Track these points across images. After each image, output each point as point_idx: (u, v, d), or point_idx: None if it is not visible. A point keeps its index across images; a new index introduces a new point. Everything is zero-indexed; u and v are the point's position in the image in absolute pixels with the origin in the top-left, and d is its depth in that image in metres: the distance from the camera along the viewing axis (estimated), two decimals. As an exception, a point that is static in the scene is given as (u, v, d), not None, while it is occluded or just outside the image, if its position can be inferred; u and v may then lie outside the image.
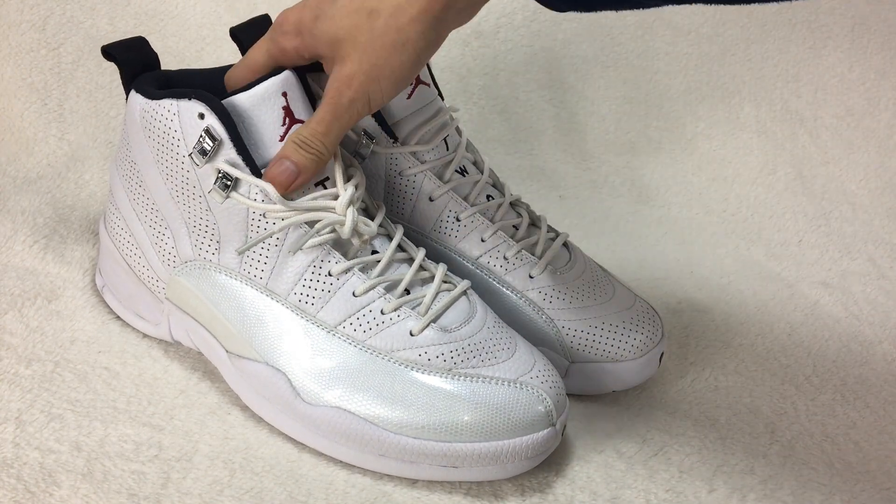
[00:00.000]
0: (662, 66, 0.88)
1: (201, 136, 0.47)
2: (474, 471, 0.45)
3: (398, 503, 0.45)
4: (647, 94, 0.88)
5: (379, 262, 0.48)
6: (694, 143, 0.87)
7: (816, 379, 0.60)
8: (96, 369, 0.51)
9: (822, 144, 0.88)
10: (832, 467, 0.51)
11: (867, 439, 0.54)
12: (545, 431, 0.46)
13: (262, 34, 0.50)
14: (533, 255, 0.55)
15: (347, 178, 0.49)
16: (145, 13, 0.77)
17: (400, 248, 0.50)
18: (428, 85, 0.55)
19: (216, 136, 0.46)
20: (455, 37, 0.84)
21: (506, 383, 0.46)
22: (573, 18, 0.87)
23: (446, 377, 0.46)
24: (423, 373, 0.46)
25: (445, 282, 0.49)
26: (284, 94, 0.47)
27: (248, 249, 0.48)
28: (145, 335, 0.55)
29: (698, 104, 0.88)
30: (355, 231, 0.48)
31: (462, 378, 0.46)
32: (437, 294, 0.48)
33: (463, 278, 0.51)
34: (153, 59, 0.52)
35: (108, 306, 0.57)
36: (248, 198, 0.47)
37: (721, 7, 0.89)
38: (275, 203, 0.47)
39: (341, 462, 0.47)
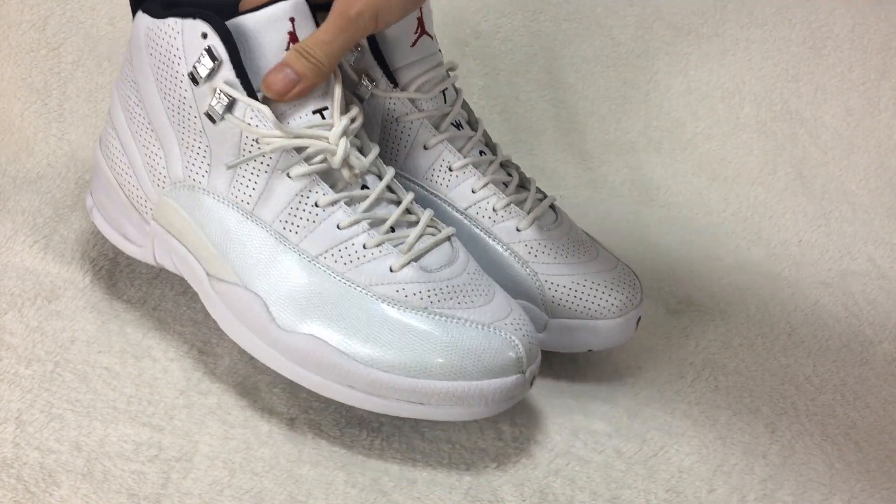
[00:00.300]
0: (662, 65, 0.88)
1: (201, 54, 0.47)
2: (441, 409, 0.45)
3: (398, 503, 0.45)
4: (648, 93, 0.88)
5: (367, 198, 0.48)
6: (694, 143, 0.87)
7: (816, 379, 0.60)
8: (96, 369, 0.51)
9: (823, 144, 0.88)
10: (832, 467, 0.51)
11: (867, 439, 0.54)
12: (514, 378, 0.46)
13: None
14: (521, 209, 0.55)
15: (345, 111, 0.49)
16: (145, 13, 0.77)
17: (389, 189, 0.50)
18: (432, 37, 0.56)
19: (217, 55, 0.46)
20: (455, 37, 0.84)
21: (479, 326, 0.46)
22: (573, 18, 0.87)
23: (421, 315, 0.46)
24: (398, 308, 0.46)
25: (431, 226, 0.50)
26: (292, 20, 0.47)
27: (237, 165, 0.48)
28: (145, 335, 0.55)
29: (698, 104, 0.88)
30: (346, 163, 0.48)
31: (437, 317, 0.46)
32: (420, 236, 0.48)
33: (451, 227, 0.51)
34: None
35: (108, 306, 0.57)
36: (243, 120, 0.47)
37: (721, 7, 0.89)
38: (269, 127, 0.47)
39: (341, 462, 0.47)
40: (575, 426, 0.52)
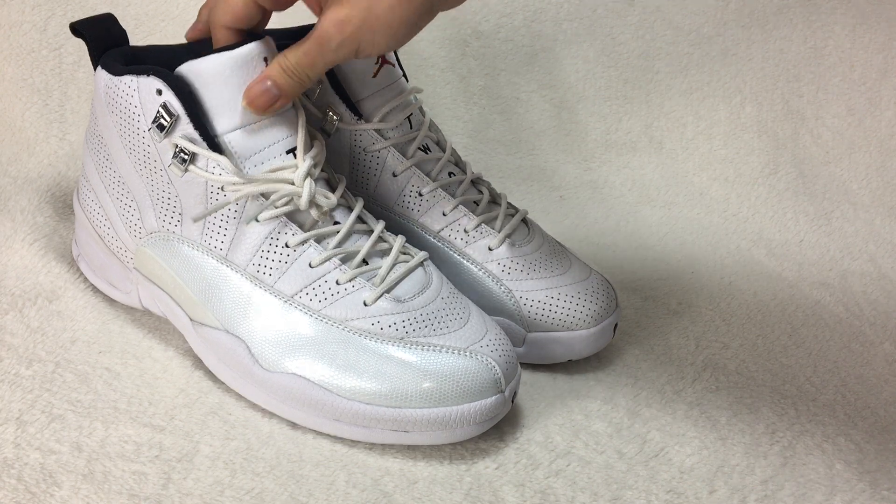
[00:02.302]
0: (663, 65, 0.88)
1: (158, 111, 0.48)
2: (425, 435, 0.47)
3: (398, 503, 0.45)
4: (649, 93, 0.88)
5: (337, 233, 0.49)
6: (695, 143, 0.87)
7: (817, 379, 0.60)
8: (97, 370, 0.51)
9: (824, 144, 0.88)
10: (833, 468, 0.51)
11: (868, 440, 0.54)
12: (493, 398, 0.47)
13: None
14: (492, 228, 0.57)
15: (308, 149, 0.50)
16: (145, 14, 0.77)
17: (360, 219, 0.51)
18: (393, 65, 0.57)
19: (173, 111, 0.47)
20: (455, 37, 0.84)
21: (456, 352, 0.47)
22: (574, 18, 0.87)
23: (398, 346, 0.47)
24: (375, 341, 0.47)
25: (404, 253, 0.51)
26: (265, 60, 0.48)
27: (203, 218, 0.49)
28: (146, 335, 0.55)
29: (699, 104, 0.88)
30: (313, 203, 0.49)
31: (413, 346, 0.47)
32: (393, 265, 0.49)
33: (424, 251, 0.52)
34: (121, 35, 0.53)
35: (109, 306, 0.57)
36: (206, 171, 0.48)
37: (722, 6, 0.89)
38: (231, 176, 0.47)
39: (343, 462, 0.47)
40: (576, 427, 0.52)
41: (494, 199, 0.58)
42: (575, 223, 0.78)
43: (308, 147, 0.50)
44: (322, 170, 0.51)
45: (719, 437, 0.53)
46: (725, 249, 0.77)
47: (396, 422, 0.46)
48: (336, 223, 0.50)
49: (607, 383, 0.57)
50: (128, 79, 0.49)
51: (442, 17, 0.84)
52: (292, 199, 0.49)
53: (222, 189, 0.48)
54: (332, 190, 0.51)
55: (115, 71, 0.50)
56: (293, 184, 0.48)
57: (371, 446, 0.48)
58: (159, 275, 0.52)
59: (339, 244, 0.49)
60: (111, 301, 0.57)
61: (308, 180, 0.48)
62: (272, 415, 0.50)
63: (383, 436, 0.47)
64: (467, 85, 0.83)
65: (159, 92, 0.48)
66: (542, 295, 0.55)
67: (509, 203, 0.59)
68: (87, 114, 0.73)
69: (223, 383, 0.51)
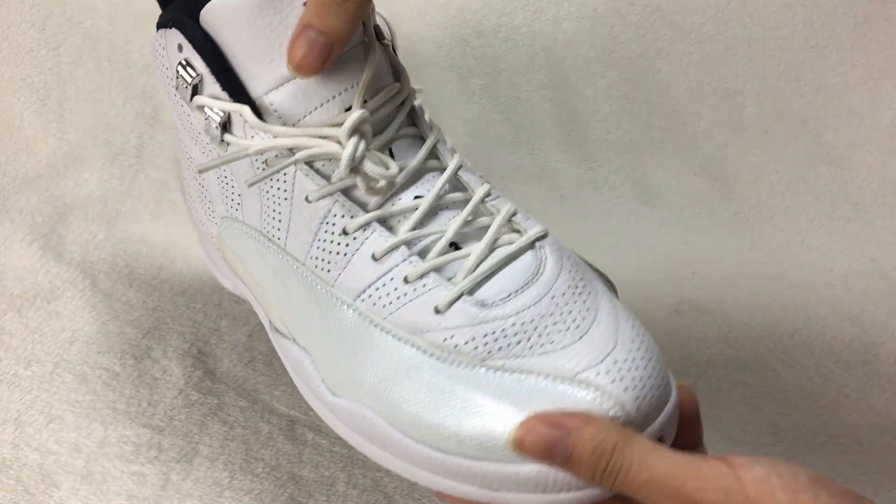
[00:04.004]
0: (664, 65, 0.88)
1: (177, 72, 0.38)
2: (517, 496, 0.33)
3: (399, 505, 0.45)
4: (649, 93, 0.88)
5: (415, 210, 0.36)
6: (696, 143, 0.87)
7: (819, 379, 0.60)
8: (96, 370, 0.51)
9: (825, 144, 0.88)
10: (835, 468, 0.51)
11: (870, 440, 0.54)
12: None
13: None
14: None
15: (372, 96, 0.37)
16: (145, 13, 0.77)
17: (456, 186, 0.38)
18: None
19: (193, 72, 0.38)
20: (455, 36, 0.84)
21: (553, 380, 0.32)
22: (574, 18, 0.87)
23: (476, 370, 0.33)
24: (449, 364, 0.34)
25: (513, 231, 0.36)
26: None
27: (255, 183, 0.38)
28: (144, 335, 0.55)
29: (700, 104, 0.88)
30: (360, 171, 0.35)
31: (497, 373, 0.33)
32: (488, 251, 0.35)
33: (543, 226, 0.38)
34: None
35: (108, 306, 0.56)
36: (246, 137, 0.37)
37: (723, 6, 0.89)
38: (264, 129, 0.36)
39: (342, 463, 0.47)
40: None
41: None
42: (575, 223, 0.78)
43: (371, 94, 0.37)
44: (406, 127, 0.38)
45: (721, 437, 0.52)
46: (727, 250, 0.77)
47: (478, 476, 0.33)
48: (418, 197, 0.37)
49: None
50: (158, 34, 0.39)
51: (442, 17, 0.84)
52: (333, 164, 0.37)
53: (266, 162, 0.38)
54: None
55: (158, 23, 0.40)
56: (339, 142, 0.35)
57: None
58: (236, 266, 0.42)
59: (417, 226, 0.36)
60: (110, 301, 0.57)
61: (354, 138, 0.35)
62: (272, 415, 0.49)
63: (469, 490, 0.34)
64: (468, 84, 0.83)
65: (180, 48, 0.38)
66: None
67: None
68: (87, 113, 0.73)
69: (223, 383, 0.51)
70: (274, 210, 0.38)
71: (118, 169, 0.70)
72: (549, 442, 0.31)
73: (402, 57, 0.47)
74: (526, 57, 0.86)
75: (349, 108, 0.36)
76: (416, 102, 0.57)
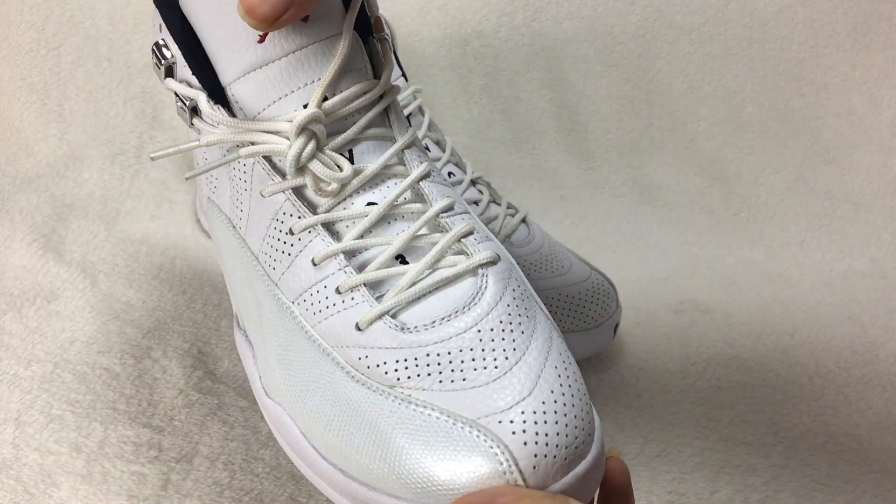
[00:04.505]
0: (664, 65, 0.88)
1: (153, 52, 0.37)
2: None
3: (399, 505, 0.45)
4: (649, 93, 0.88)
5: (364, 217, 0.34)
6: (696, 143, 0.87)
7: (819, 380, 0.60)
8: (96, 370, 0.51)
9: (825, 144, 0.88)
10: (835, 468, 0.51)
11: (870, 440, 0.54)
12: None
13: None
14: (492, 229, 0.57)
15: (338, 92, 0.35)
16: (145, 13, 0.77)
17: (417, 194, 0.36)
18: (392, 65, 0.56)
19: (167, 53, 0.37)
20: (456, 36, 0.84)
21: (452, 421, 0.29)
22: (574, 18, 0.87)
23: (380, 397, 0.31)
24: (361, 385, 0.32)
25: (459, 253, 0.34)
26: None
27: (194, 177, 0.38)
28: (144, 335, 0.55)
29: (700, 104, 0.88)
30: (308, 171, 0.34)
31: (400, 403, 0.31)
32: (426, 270, 0.33)
33: (494, 248, 0.36)
34: None
35: (107, 306, 0.56)
36: (212, 125, 0.35)
37: (723, 6, 0.89)
38: (227, 126, 0.35)
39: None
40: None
41: (494, 200, 0.59)
42: (575, 223, 0.78)
43: (332, 92, 0.35)
44: (376, 127, 0.36)
45: (721, 438, 0.52)
46: (727, 249, 0.77)
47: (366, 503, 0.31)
48: (371, 204, 0.35)
49: (609, 383, 0.57)
50: (154, 12, 0.38)
51: (442, 17, 0.84)
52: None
53: (229, 151, 0.37)
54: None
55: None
56: (289, 139, 0.34)
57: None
58: (216, 250, 0.41)
59: (363, 234, 0.34)
60: (110, 301, 0.57)
61: (302, 137, 0.33)
62: (272, 415, 0.49)
63: None
64: (467, 84, 0.83)
65: (161, 28, 0.37)
66: (542, 295, 0.55)
67: (509, 203, 0.59)
68: (87, 113, 0.73)
69: (223, 383, 0.51)
70: (238, 199, 0.37)
71: (118, 169, 0.70)
72: None
73: (403, 56, 0.47)
74: (526, 57, 0.86)
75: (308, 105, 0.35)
76: (416, 103, 0.56)
